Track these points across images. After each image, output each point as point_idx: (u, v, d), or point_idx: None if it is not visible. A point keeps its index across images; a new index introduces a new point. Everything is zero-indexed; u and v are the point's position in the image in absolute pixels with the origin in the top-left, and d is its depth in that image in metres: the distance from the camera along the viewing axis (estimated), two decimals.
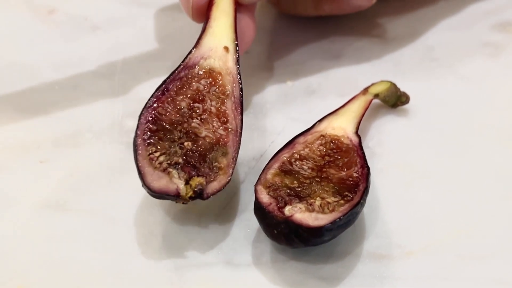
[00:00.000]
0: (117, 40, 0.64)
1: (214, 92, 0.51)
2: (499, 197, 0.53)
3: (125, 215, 0.52)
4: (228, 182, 0.48)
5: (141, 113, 0.49)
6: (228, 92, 0.51)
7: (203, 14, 0.54)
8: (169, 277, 0.48)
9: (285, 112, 0.59)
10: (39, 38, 0.64)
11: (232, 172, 0.49)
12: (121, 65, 0.62)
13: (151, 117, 0.49)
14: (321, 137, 0.53)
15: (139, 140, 0.48)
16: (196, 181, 0.47)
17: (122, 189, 0.53)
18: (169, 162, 0.48)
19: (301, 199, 0.48)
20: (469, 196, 0.53)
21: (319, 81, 0.61)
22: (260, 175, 0.50)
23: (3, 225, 0.51)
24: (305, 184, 0.49)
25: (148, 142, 0.48)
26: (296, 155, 0.51)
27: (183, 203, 0.48)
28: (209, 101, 0.50)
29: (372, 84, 0.58)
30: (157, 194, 0.47)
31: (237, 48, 0.52)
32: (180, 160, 0.48)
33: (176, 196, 0.47)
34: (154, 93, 0.50)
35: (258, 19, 0.65)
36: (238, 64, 0.52)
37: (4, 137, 0.56)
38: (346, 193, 0.49)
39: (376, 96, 0.57)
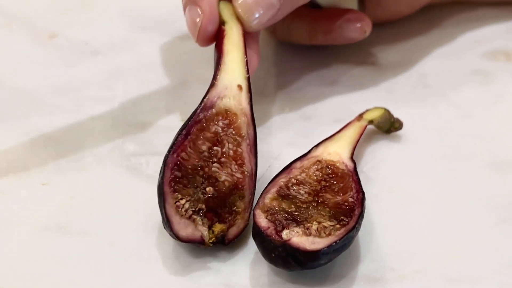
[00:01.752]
0: (117, 64, 0.65)
1: (231, 135, 0.51)
2: (488, 223, 0.54)
3: (125, 237, 0.52)
4: (245, 227, 0.50)
5: (166, 158, 0.49)
6: (244, 134, 0.51)
7: (209, 40, 0.55)
8: None
9: (281, 137, 0.59)
10: (40, 62, 0.65)
11: (249, 216, 0.50)
12: (122, 89, 0.63)
13: (175, 163, 0.49)
14: (317, 162, 0.54)
15: (166, 188, 0.49)
16: (219, 228, 0.49)
17: (123, 212, 0.53)
18: (193, 209, 0.49)
19: (298, 223, 0.49)
20: (459, 221, 0.54)
21: (315, 107, 0.62)
22: (258, 199, 0.50)
23: (4, 246, 0.52)
24: (302, 209, 0.50)
25: (174, 189, 0.49)
26: (293, 179, 0.52)
27: (205, 247, 0.50)
28: (227, 143, 0.51)
29: (367, 111, 0.59)
30: (184, 241, 0.49)
31: (250, 85, 0.53)
32: (203, 206, 0.49)
33: (200, 243, 0.49)
34: (176, 137, 0.50)
35: None
36: (251, 102, 0.53)
37: (6, 159, 0.57)
38: (342, 217, 0.50)
39: (371, 122, 0.58)
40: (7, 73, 0.64)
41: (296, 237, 0.48)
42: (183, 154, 0.50)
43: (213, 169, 0.50)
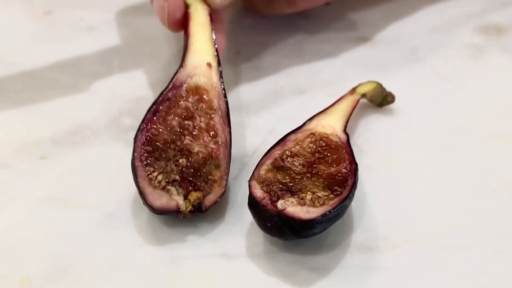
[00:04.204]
0: (113, 40, 0.65)
1: (202, 109, 0.53)
2: (479, 192, 0.55)
3: (123, 209, 0.53)
4: (223, 193, 0.51)
5: (136, 136, 0.52)
6: (215, 106, 0.53)
7: (179, 25, 0.56)
8: (166, 269, 0.50)
9: (276, 111, 0.60)
10: (37, 39, 0.65)
11: (226, 183, 0.51)
12: (117, 64, 0.63)
13: (145, 139, 0.51)
14: (311, 135, 0.55)
15: (137, 163, 0.51)
16: (194, 196, 0.50)
17: (120, 185, 0.54)
18: (167, 180, 0.50)
19: (293, 193, 0.50)
20: (450, 191, 0.55)
21: (309, 81, 0.63)
22: (254, 171, 0.51)
23: (6, 219, 0.52)
24: (296, 180, 0.51)
25: (146, 163, 0.51)
26: (287, 152, 0.53)
27: (183, 217, 0.50)
28: (198, 117, 0.53)
29: (360, 85, 0.59)
30: (159, 211, 0.50)
31: (219, 62, 0.55)
32: (177, 177, 0.51)
33: (177, 212, 0.50)
34: (145, 115, 0.53)
35: (248, 21, 0.67)
36: (222, 78, 0.55)
37: (5, 134, 0.58)
38: (336, 188, 0.51)
39: (363, 96, 0.59)
40: (5, 49, 0.65)
41: (291, 206, 0.49)
42: (152, 130, 0.52)
43: (185, 142, 0.52)
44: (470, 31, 0.67)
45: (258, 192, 0.49)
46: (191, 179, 0.51)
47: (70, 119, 0.59)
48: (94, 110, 0.60)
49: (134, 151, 0.51)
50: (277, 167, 0.52)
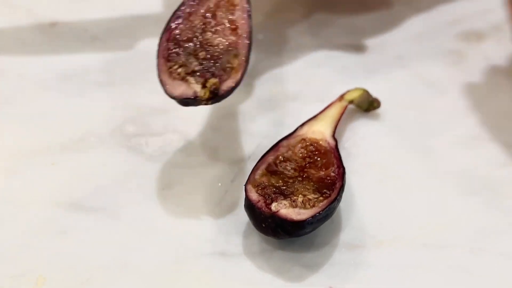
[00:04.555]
0: (115, 50, 0.68)
1: (223, 5, 0.55)
2: (458, 194, 0.58)
3: (128, 211, 0.56)
4: (241, 79, 0.53)
5: (161, 35, 0.54)
6: (237, 2, 0.55)
7: None
8: (170, 268, 0.53)
9: (270, 117, 0.63)
10: (43, 49, 0.68)
11: (244, 71, 0.53)
12: (120, 74, 0.66)
13: (168, 36, 0.54)
14: (302, 141, 0.57)
15: (160, 59, 0.53)
16: (211, 82, 0.52)
17: (125, 188, 0.57)
18: (186, 72, 0.53)
19: (285, 196, 0.53)
20: (432, 191, 0.58)
21: (301, 88, 0.65)
22: (249, 175, 0.54)
23: (20, 222, 0.55)
24: (289, 183, 0.54)
25: (168, 59, 0.53)
26: (280, 157, 0.56)
27: (204, 104, 0.52)
28: (220, 13, 0.54)
29: (347, 91, 0.62)
30: (179, 99, 0.52)
31: None
32: (196, 68, 0.53)
33: (195, 99, 0.52)
34: (171, 17, 0.55)
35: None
36: None
37: (15, 142, 0.60)
38: (325, 190, 0.54)
39: (351, 102, 0.62)
40: (13, 60, 0.67)
41: (283, 209, 0.52)
42: (176, 30, 0.54)
43: (206, 36, 0.54)
44: (451, 38, 0.70)
45: (254, 196, 0.52)
46: (209, 69, 0.53)
47: (76, 127, 0.61)
48: (98, 118, 0.62)
49: (158, 49, 0.54)
50: (271, 171, 0.55)
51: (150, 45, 0.67)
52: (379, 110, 0.63)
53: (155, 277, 0.53)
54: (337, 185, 0.54)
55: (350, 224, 0.56)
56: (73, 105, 0.64)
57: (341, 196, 0.54)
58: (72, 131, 0.61)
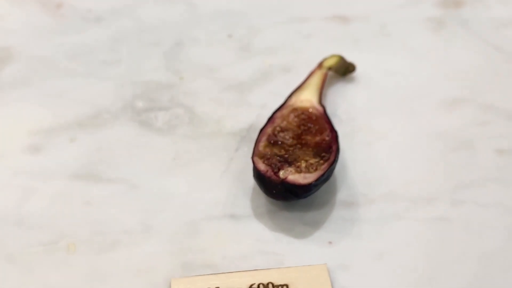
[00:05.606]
0: (119, 29, 0.71)
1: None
2: (440, 152, 0.62)
3: (145, 180, 0.60)
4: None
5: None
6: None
7: None
8: (186, 229, 0.57)
9: (266, 88, 0.66)
10: (51, 31, 0.71)
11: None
12: (126, 52, 0.69)
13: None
14: (294, 110, 0.61)
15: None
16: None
17: (140, 160, 0.61)
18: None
19: (290, 163, 0.56)
20: (417, 152, 0.62)
21: (293, 59, 0.69)
22: (254, 148, 0.58)
23: (47, 195, 0.59)
24: (289, 151, 0.57)
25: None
26: (277, 128, 0.59)
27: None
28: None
29: (324, 59, 0.65)
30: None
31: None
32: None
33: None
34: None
35: (238, 6, 0.73)
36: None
37: (35, 120, 0.64)
38: (323, 154, 0.57)
39: (330, 68, 0.65)
40: (23, 42, 0.70)
41: (291, 175, 0.55)
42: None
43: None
44: (431, 5, 0.73)
45: (262, 166, 0.56)
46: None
47: (90, 104, 0.65)
48: (109, 95, 0.66)
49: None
50: (272, 142, 0.58)
51: (150, 23, 0.72)
52: (367, 77, 0.67)
53: (174, 238, 0.57)
54: (334, 148, 0.58)
55: (344, 184, 0.60)
56: (84, 84, 0.67)
57: (338, 158, 0.58)
58: (87, 108, 0.65)
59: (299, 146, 0.59)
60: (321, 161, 0.57)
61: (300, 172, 0.56)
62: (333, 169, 0.58)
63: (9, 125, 0.64)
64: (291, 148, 0.58)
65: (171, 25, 0.72)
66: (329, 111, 0.64)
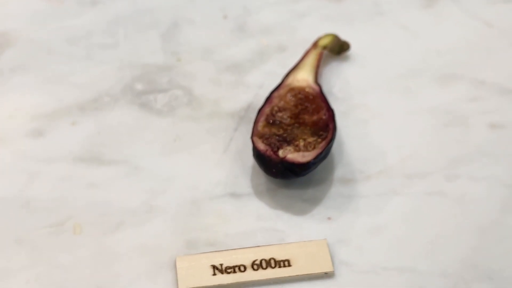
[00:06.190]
0: (116, 12, 0.71)
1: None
2: (434, 128, 0.63)
3: (148, 162, 0.61)
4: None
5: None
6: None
7: None
8: (189, 208, 0.59)
9: (263, 68, 0.67)
10: (49, 16, 0.71)
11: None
12: (123, 35, 0.70)
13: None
14: (290, 90, 0.62)
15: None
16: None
17: (141, 142, 0.62)
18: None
19: (288, 142, 0.57)
20: (412, 128, 0.63)
21: (289, 39, 0.70)
22: (253, 128, 0.59)
23: (51, 178, 0.60)
24: (288, 130, 0.59)
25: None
26: (275, 108, 0.60)
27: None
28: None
29: (319, 38, 0.66)
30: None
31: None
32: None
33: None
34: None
35: None
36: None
37: (36, 104, 0.65)
38: (321, 132, 0.58)
39: (325, 48, 0.66)
40: (22, 28, 0.70)
41: (290, 154, 0.57)
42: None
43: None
44: None
45: (261, 146, 0.57)
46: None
47: (90, 88, 0.66)
48: (109, 78, 0.66)
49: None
50: (270, 122, 0.59)
51: (146, 5, 0.72)
52: (362, 56, 0.68)
53: (177, 217, 0.59)
54: (330, 126, 0.59)
55: (342, 161, 0.61)
56: (84, 68, 0.68)
57: (335, 136, 0.59)
58: (87, 92, 0.66)
59: (297, 125, 0.60)
60: (319, 140, 0.58)
61: (298, 150, 0.57)
62: (331, 147, 0.59)
63: (11, 110, 0.65)
64: (289, 128, 0.60)
65: (166, 7, 0.73)
66: (325, 90, 0.65)
